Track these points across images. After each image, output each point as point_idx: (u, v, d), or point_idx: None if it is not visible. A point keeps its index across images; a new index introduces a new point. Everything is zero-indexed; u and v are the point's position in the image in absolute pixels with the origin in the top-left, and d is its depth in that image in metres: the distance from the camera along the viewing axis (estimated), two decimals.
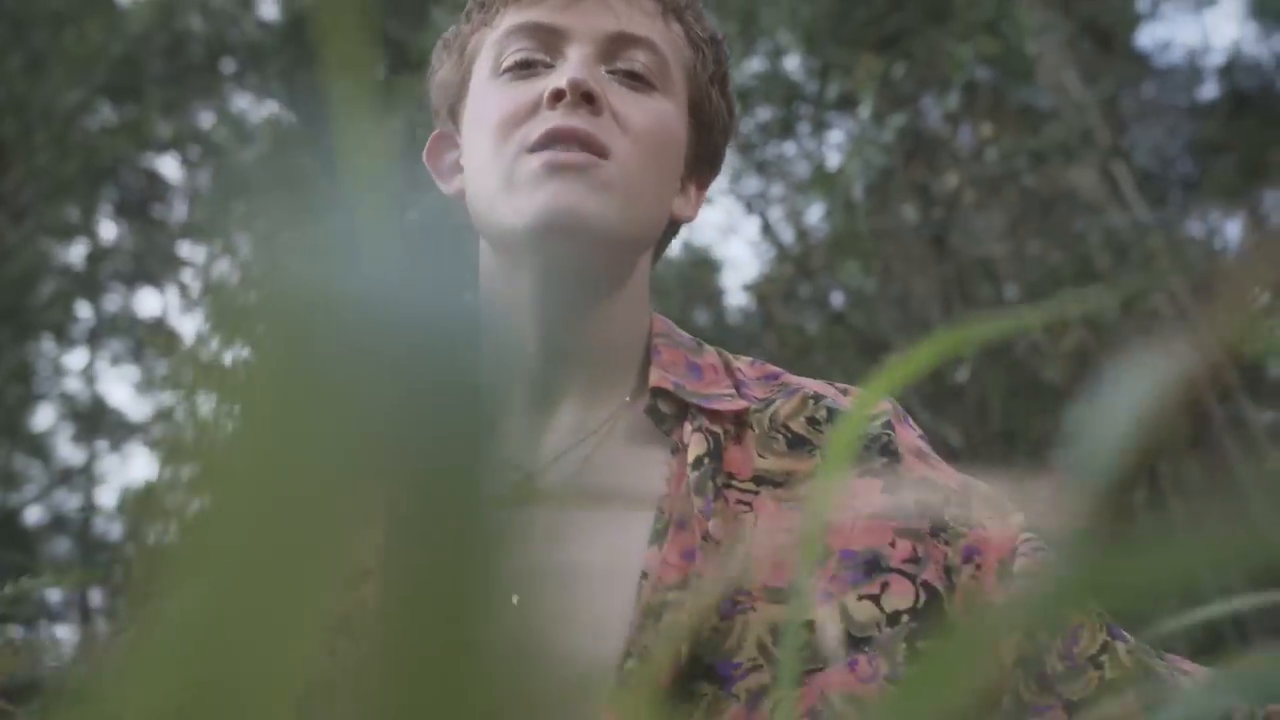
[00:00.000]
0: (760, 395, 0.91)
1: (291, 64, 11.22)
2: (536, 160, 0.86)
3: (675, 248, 1.04)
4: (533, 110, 0.89)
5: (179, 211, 12.66)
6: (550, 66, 0.92)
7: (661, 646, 0.73)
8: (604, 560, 0.80)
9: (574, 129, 0.86)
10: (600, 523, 0.84)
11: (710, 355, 0.94)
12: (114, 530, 11.50)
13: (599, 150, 0.87)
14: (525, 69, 0.93)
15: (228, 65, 11.34)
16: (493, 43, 0.95)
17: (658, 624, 0.76)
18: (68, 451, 11.35)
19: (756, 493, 0.83)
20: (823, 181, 4.70)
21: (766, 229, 5.97)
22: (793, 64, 5.25)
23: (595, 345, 0.90)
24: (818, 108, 5.28)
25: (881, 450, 0.86)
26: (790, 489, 0.83)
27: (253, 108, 11.83)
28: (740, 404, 0.88)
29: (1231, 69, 9.59)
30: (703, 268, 7.71)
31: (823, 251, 5.56)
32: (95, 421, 11.35)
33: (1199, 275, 6.32)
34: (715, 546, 0.79)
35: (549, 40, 0.93)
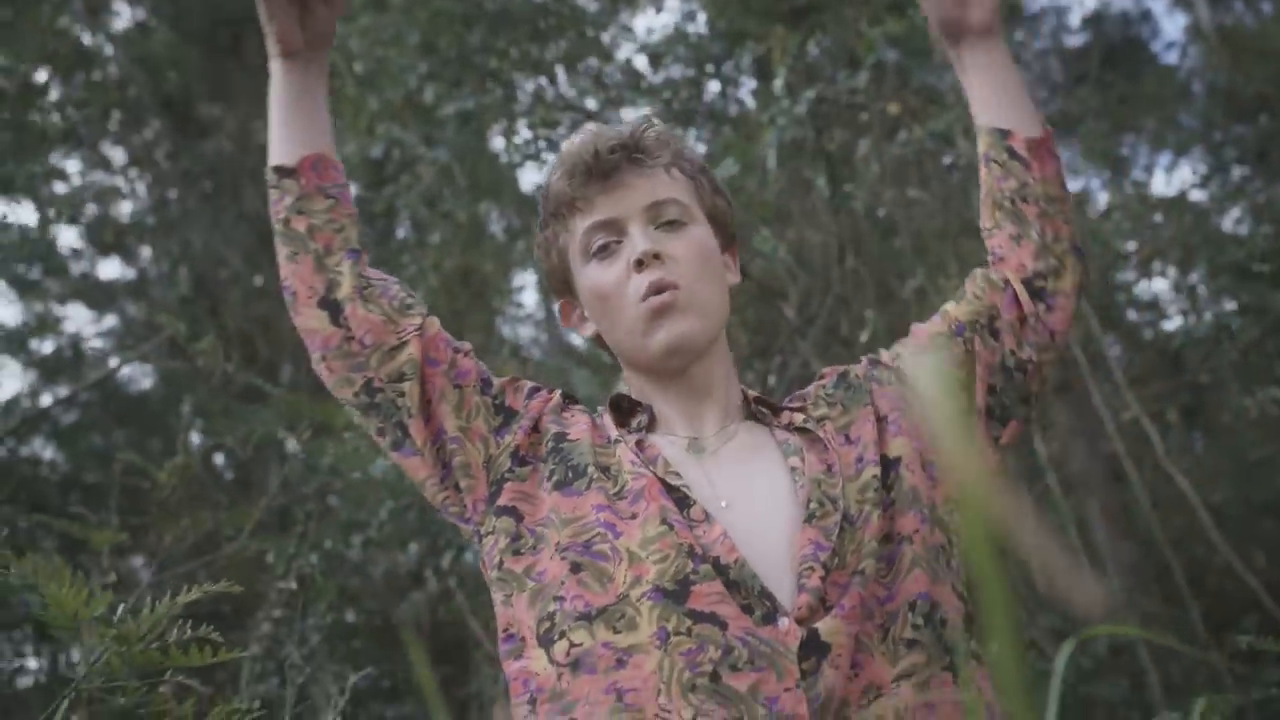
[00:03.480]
0: (794, 404, 1.51)
1: None
2: (646, 307, 1.42)
3: None
4: (627, 274, 1.44)
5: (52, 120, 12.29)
6: (619, 242, 1.46)
7: (827, 502, 1.34)
8: (765, 474, 1.40)
9: (657, 280, 1.42)
10: (753, 460, 1.42)
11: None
12: None
13: (674, 284, 1.42)
14: (606, 251, 1.47)
15: None
16: (576, 241, 1.50)
17: (820, 489, 1.34)
18: None
19: (821, 424, 1.44)
20: (735, 147, 4.95)
21: None
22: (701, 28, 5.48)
23: (713, 380, 1.49)
24: (724, 75, 5.52)
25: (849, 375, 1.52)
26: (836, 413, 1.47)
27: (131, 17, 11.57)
28: (796, 408, 1.50)
29: (1100, 19, 10.01)
30: None
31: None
32: None
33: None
34: (835, 457, 1.39)
35: (613, 227, 1.47)
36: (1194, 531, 7.13)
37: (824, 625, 1.24)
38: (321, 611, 4.25)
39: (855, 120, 4.66)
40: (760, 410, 1.50)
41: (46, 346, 12.51)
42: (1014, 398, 1.46)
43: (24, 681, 7.50)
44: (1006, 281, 1.47)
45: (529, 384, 1.51)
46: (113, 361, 13.02)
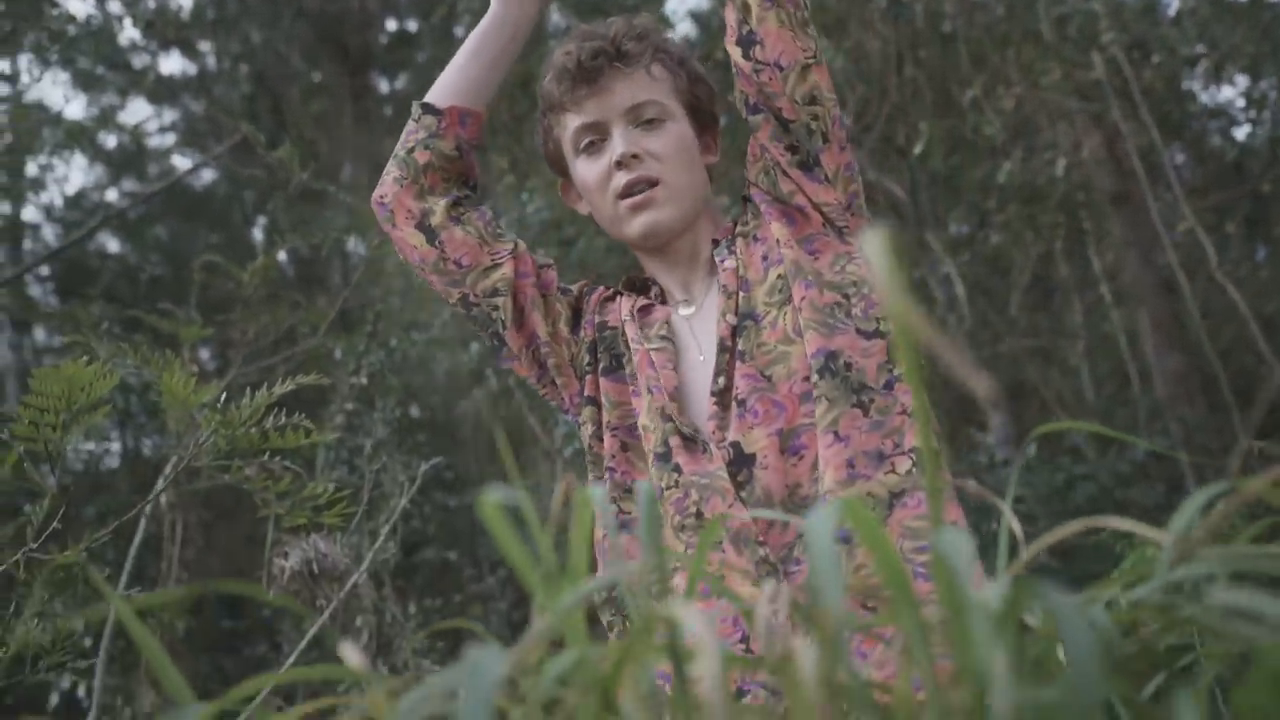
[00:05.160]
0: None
1: None
2: (625, 205, 1.62)
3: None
4: (609, 172, 1.62)
5: None
6: (604, 139, 1.64)
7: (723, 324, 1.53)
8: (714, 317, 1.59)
9: (634, 179, 1.61)
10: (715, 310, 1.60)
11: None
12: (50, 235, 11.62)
13: (652, 181, 1.61)
14: (593, 147, 1.65)
15: None
16: (569, 136, 1.67)
17: (719, 323, 1.53)
18: None
19: (734, 242, 1.62)
20: None
21: None
22: None
23: (699, 248, 1.66)
24: None
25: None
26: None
27: None
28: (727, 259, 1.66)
29: None
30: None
31: None
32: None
33: (1136, 39, 6.64)
34: (735, 276, 1.59)
35: (598, 128, 1.64)
36: (1243, 342, 7.18)
37: (744, 437, 1.45)
38: (390, 406, 4.48)
39: None
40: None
41: (111, 141, 12.68)
42: (804, 137, 1.54)
43: (109, 463, 7.90)
44: (735, 68, 1.57)
45: (590, 285, 1.74)
46: (176, 158, 13.20)
